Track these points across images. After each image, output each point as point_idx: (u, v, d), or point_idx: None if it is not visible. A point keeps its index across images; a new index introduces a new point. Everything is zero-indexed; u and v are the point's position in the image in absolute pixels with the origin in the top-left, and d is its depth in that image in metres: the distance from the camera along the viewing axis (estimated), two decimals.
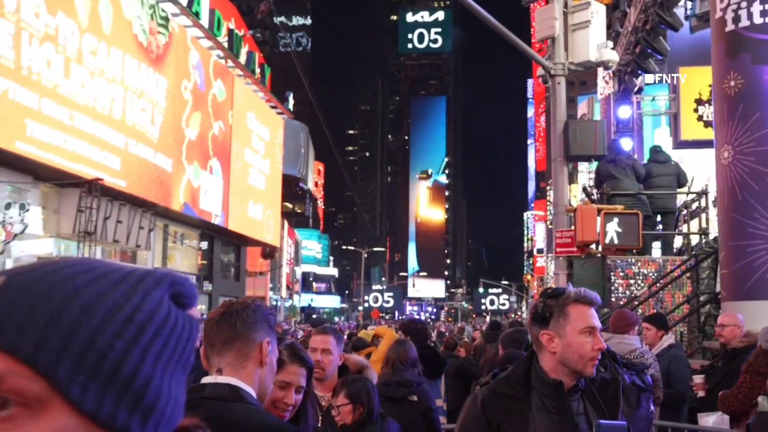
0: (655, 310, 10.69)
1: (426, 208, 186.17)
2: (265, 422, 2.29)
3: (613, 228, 11.42)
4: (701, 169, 16.07)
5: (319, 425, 4.40)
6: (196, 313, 1.20)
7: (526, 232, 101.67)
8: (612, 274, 11.74)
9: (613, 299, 11.67)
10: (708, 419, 6.51)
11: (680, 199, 15.24)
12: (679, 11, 15.17)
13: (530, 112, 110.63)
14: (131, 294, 0.87)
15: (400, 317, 79.91)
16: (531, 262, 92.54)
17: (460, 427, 3.01)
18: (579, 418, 2.78)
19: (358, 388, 4.30)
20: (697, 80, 14.37)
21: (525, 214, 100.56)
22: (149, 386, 0.85)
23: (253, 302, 2.52)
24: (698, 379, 6.49)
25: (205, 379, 2.36)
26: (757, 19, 8.56)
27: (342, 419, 4.20)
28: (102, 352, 0.81)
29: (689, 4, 15.40)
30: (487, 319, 58.52)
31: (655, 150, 14.82)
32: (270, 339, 2.41)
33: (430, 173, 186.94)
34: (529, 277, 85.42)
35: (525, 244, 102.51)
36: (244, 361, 2.35)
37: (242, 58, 44.28)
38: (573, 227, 11.91)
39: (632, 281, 11.90)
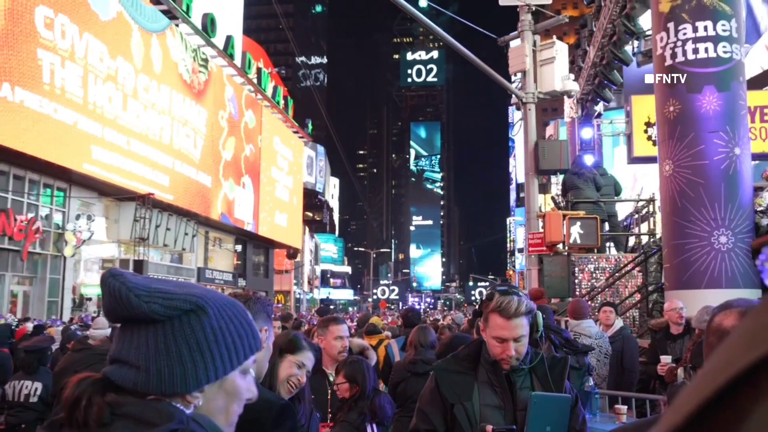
0: (612, 299, 10.71)
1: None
2: (265, 397, 2.15)
3: (576, 230, 11.42)
4: (652, 180, 16.09)
5: (329, 398, 4.45)
6: None
7: (508, 235, 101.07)
8: (576, 268, 11.70)
9: (577, 290, 11.67)
10: (666, 358, 6.42)
11: (630, 205, 15.33)
12: (629, 49, 15.21)
13: (510, 133, 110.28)
14: None
15: (403, 307, 79.98)
16: (512, 259, 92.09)
17: (420, 398, 2.98)
18: (523, 391, 2.74)
19: (355, 370, 4.27)
20: (646, 106, 14.33)
21: (507, 219, 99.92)
22: None
23: (254, 295, 2.49)
24: (665, 359, 6.40)
25: None
26: (690, 56, 8.57)
27: (341, 395, 4.21)
28: None
29: (636, 43, 15.39)
30: (474, 307, 58.24)
31: (598, 166, 15.05)
32: (267, 327, 2.38)
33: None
34: (511, 271, 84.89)
35: (507, 245, 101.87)
36: None
37: (269, 92, 44.39)
38: (543, 230, 11.92)
39: (593, 274, 11.89)
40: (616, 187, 14.36)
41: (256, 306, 2.38)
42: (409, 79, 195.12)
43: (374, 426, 4.42)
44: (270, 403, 2.16)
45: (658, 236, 12.29)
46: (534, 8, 13.39)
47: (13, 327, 11.81)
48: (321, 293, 76.81)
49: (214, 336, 1.21)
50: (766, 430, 0.45)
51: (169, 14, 30.83)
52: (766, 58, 15.61)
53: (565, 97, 17.22)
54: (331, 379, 4.44)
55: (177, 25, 31.60)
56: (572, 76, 13.94)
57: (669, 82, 8.75)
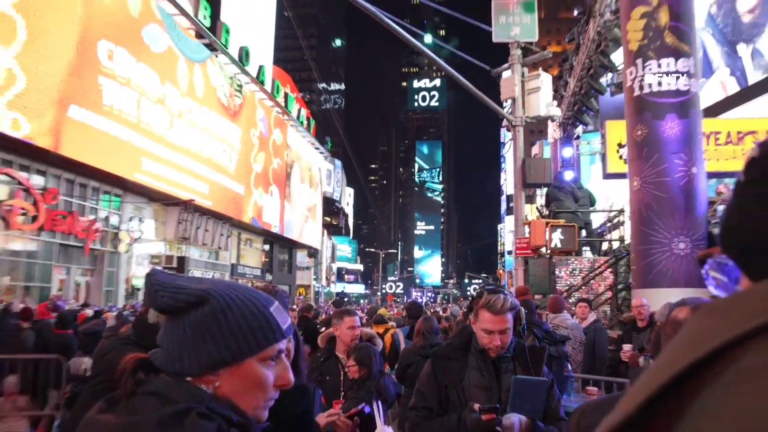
0: (587, 296, 10.70)
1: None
2: None
3: (557, 236, 11.44)
4: (622, 193, 16.08)
5: (341, 378, 4.48)
6: None
7: (499, 239, 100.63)
8: (556, 269, 11.72)
9: (557, 287, 11.67)
10: (628, 346, 6.45)
11: (604, 215, 15.32)
12: (604, 80, 15.21)
13: (502, 152, 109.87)
14: None
15: (408, 300, 79.73)
16: (502, 260, 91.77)
17: (419, 380, 3.04)
18: (507, 375, 2.79)
19: (362, 354, 4.30)
20: (619, 130, 14.27)
21: (498, 226, 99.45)
22: None
23: (273, 288, 2.44)
24: (627, 347, 6.44)
25: None
26: (655, 88, 8.62)
27: (351, 376, 4.26)
28: None
29: (610, 76, 15.39)
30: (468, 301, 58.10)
31: (576, 181, 15.07)
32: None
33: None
34: (501, 271, 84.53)
35: (498, 248, 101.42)
36: None
37: (294, 113, 44.46)
38: (528, 235, 11.90)
39: (571, 274, 11.88)
40: (591, 198, 14.35)
41: (275, 298, 2.38)
42: (415, 104, 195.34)
43: (379, 402, 4.46)
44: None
45: (627, 242, 12.29)
46: (523, 44, 13.39)
47: (76, 312, 11.91)
48: (337, 287, 76.61)
49: (218, 325, 1.20)
50: (704, 416, 0.51)
51: (210, 47, 30.98)
52: (719, 91, 15.60)
53: (549, 121, 17.23)
54: (344, 362, 4.48)
55: (217, 56, 31.73)
56: (555, 103, 13.95)
57: (637, 109, 8.77)
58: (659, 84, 8.64)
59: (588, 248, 14.15)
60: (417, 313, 8.61)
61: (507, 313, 2.75)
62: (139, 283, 27.91)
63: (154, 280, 1.23)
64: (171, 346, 1.20)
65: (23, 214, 19.54)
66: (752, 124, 14.45)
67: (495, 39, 13.04)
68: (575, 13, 15.32)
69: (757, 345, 0.48)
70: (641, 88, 8.79)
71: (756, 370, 0.46)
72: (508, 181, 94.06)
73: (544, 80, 12.89)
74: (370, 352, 4.40)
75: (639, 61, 8.86)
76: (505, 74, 13.74)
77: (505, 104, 14.28)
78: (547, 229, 11.37)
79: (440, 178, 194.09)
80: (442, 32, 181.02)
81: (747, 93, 15.86)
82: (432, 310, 22.90)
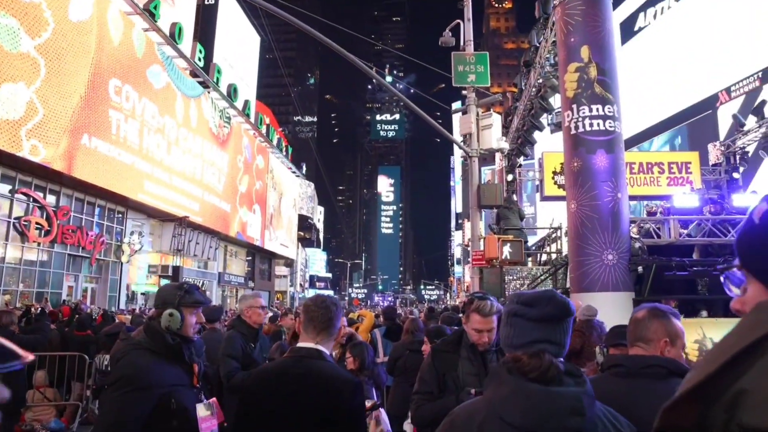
0: None
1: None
2: (344, 375, 2.16)
3: (507, 249, 11.46)
4: (559, 213, 16.52)
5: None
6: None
7: (449, 251, 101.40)
8: (506, 277, 11.90)
9: (507, 293, 11.92)
10: None
11: (545, 231, 15.71)
12: (544, 119, 15.62)
13: (451, 176, 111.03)
14: None
15: (372, 304, 79.57)
16: (452, 269, 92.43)
17: (421, 369, 3.06)
18: (492, 365, 2.85)
19: (357, 350, 4.45)
20: (554, 160, 14.77)
21: (449, 240, 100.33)
22: None
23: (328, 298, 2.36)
24: None
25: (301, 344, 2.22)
26: (588, 128, 8.96)
27: (349, 367, 4.33)
28: None
29: (549, 117, 15.81)
30: (426, 305, 58.39)
31: (510, 200, 15.33)
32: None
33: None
34: (452, 278, 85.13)
35: (449, 259, 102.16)
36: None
37: (274, 141, 44.38)
38: (483, 249, 12.03)
39: (518, 281, 12.11)
40: (520, 214, 14.54)
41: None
42: (379, 134, 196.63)
43: (374, 388, 4.68)
44: (348, 380, 2.13)
45: (564, 254, 12.57)
46: (476, 89, 13.66)
47: (93, 316, 11.81)
48: (309, 293, 76.09)
49: None
50: (764, 374, 0.65)
51: (204, 84, 30.91)
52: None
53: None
54: (334, 354, 4.64)
55: (209, 92, 31.66)
56: (504, 138, 14.27)
57: (574, 145, 9.13)
58: (591, 125, 8.93)
59: (530, 259, 14.40)
60: (392, 315, 8.81)
61: (493, 315, 2.85)
62: (138, 289, 27.51)
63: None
64: None
65: (38, 229, 19.23)
66: (656, 156, 15.29)
67: (455, 84, 13.21)
68: (522, 62, 15.79)
69: None
70: (577, 128, 9.07)
71: None
72: (456, 201, 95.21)
73: (495, 119, 13.10)
74: (363, 348, 4.55)
75: (574, 106, 9.16)
76: (455, 115, 13.83)
77: (460, 138, 14.42)
78: (498, 243, 11.49)
79: (400, 199, 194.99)
80: (401, 74, 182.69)
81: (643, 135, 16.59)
82: (403, 314, 23.04)
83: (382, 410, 4.18)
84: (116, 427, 2.27)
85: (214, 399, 2.67)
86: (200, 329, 2.67)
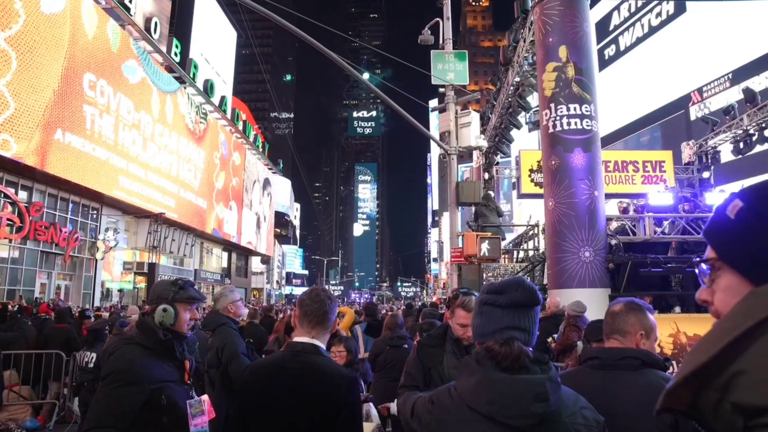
0: None
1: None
2: (341, 371, 2.15)
3: (485, 246, 11.58)
4: (537, 210, 16.64)
5: None
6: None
7: (426, 248, 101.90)
8: (484, 273, 11.97)
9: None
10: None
11: (522, 228, 15.80)
12: (522, 118, 15.69)
13: (428, 173, 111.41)
14: None
15: (348, 301, 79.59)
16: (429, 266, 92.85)
17: (407, 363, 3.03)
18: None
19: (350, 344, 4.51)
20: (531, 158, 14.87)
21: (426, 238, 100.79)
22: None
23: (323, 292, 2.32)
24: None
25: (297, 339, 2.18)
26: (566, 127, 9.10)
27: (340, 361, 4.32)
28: None
29: (527, 115, 15.88)
30: (403, 302, 58.69)
31: (488, 197, 15.38)
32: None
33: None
34: (429, 275, 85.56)
35: (425, 256, 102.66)
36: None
37: (251, 138, 44.11)
38: (461, 246, 12.09)
39: (496, 278, 12.19)
40: (498, 211, 14.66)
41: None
42: (356, 131, 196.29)
43: (361, 382, 4.71)
44: (345, 375, 2.13)
45: (541, 250, 12.69)
46: (455, 87, 13.67)
47: (73, 311, 11.63)
48: (285, 290, 75.79)
49: None
50: (762, 354, 0.67)
51: (180, 80, 30.58)
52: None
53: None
54: None
55: (185, 88, 31.33)
56: (482, 135, 14.28)
57: (551, 144, 9.24)
58: (568, 124, 9.06)
59: (506, 256, 14.47)
60: (372, 312, 8.85)
61: None
62: (113, 286, 27.12)
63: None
64: None
65: (10, 225, 18.83)
66: (631, 155, 15.53)
67: (434, 81, 13.22)
68: (501, 61, 15.87)
69: None
70: (554, 126, 9.18)
71: None
72: (432, 199, 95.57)
73: (474, 117, 13.11)
74: (352, 343, 4.59)
75: (552, 105, 9.28)
76: (434, 113, 13.70)
77: (439, 135, 14.38)
78: (477, 240, 11.56)
79: (375, 196, 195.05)
80: (378, 70, 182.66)
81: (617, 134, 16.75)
82: (384, 310, 23.10)
83: (371, 404, 4.22)
84: (106, 420, 2.27)
85: (206, 396, 2.67)
86: (194, 326, 2.65)
